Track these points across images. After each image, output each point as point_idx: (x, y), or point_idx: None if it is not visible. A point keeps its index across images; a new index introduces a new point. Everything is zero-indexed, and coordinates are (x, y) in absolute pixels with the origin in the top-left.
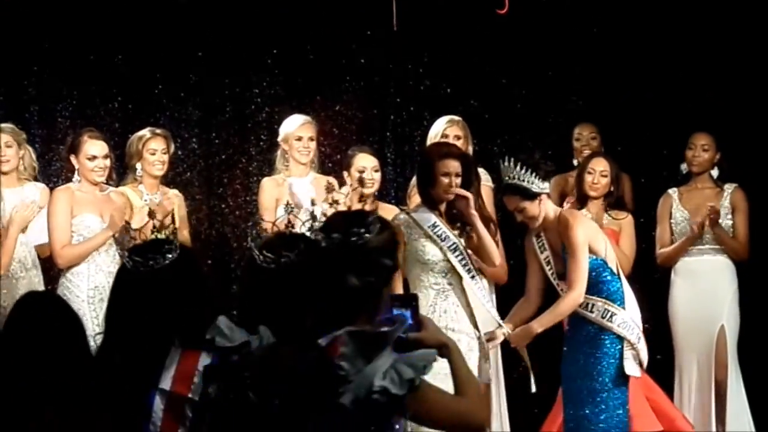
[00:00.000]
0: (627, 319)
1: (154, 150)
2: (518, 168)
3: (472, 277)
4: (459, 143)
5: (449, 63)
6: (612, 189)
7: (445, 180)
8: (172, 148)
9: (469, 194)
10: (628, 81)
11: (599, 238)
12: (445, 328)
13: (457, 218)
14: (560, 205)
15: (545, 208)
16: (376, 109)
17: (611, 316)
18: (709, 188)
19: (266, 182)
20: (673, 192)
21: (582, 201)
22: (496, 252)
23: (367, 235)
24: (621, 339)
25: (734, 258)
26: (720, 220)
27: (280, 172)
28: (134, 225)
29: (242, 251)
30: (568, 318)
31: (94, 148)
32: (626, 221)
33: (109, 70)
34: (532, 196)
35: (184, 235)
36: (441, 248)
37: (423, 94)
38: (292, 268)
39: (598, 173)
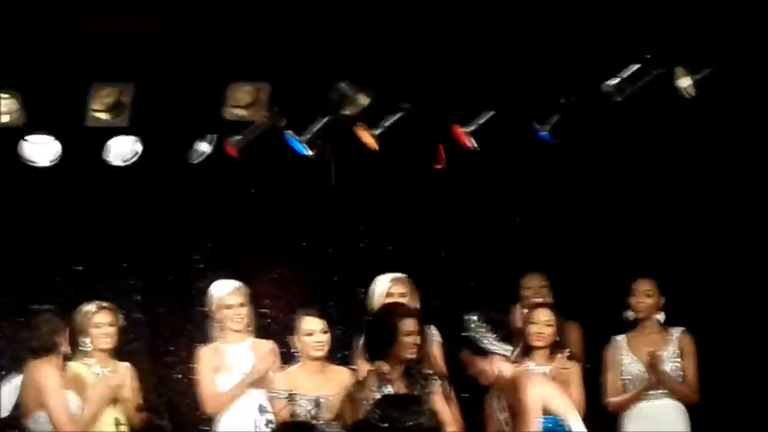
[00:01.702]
0: None
1: (99, 324)
2: (477, 323)
3: None
4: (404, 300)
5: (390, 218)
6: (557, 339)
7: (408, 339)
8: (120, 320)
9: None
10: (573, 228)
11: (555, 396)
12: None
13: (416, 378)
14: None
15: (500, 369)
16: (318, 269)
17: None
18: (655, 333)
19: (203, 351)
20: (620, 339)
21: (527, 352)
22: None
23: (422, 416)
24: None
25: (685, 401)
26: (668, 365)
27: (216, 339)
28: (86, 401)
29: (191, 418)
30: None
31: None
32: (574, 371)
33: (51, 245)
34: (484, 353)
35: (136, 406)
36: None
37: (364, 251)
38: None
39: (543, 323)
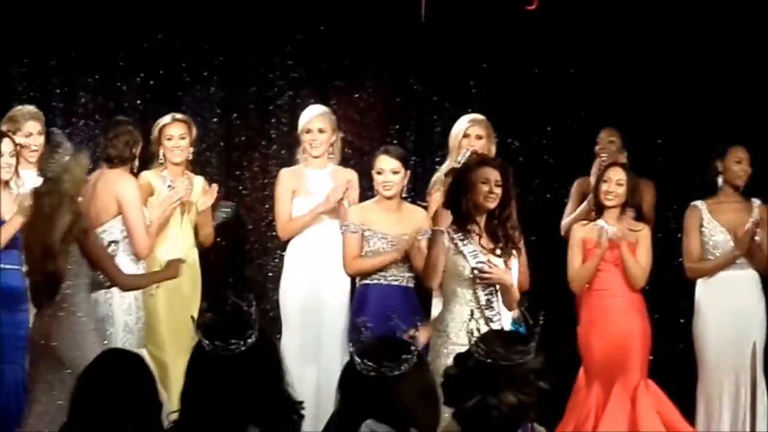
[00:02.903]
0: None
1: (171, 136)
2: None
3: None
4: (481, 143)
5: (475, 57)
6: (628, 199)
7: (485, 187)
8: (195, 133)
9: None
10: (655, 85)
11: None
12: None
13: (497, 234)
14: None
15: None
16: (399, 97)
17: None
18: (737, 202)
19: (283, 173)
20: (701, 205)
21: (598, 210)
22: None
23: (528, 355)
24: None
25: (763, 272)
26: None
27: (300, 162)
28: (153, 212)
29: (258, 233)
30: None
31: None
32: (643, 233)
33: (133, 48)
34: None
35: (208, 225)
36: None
37: (447, 86)
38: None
39: (614, 182)
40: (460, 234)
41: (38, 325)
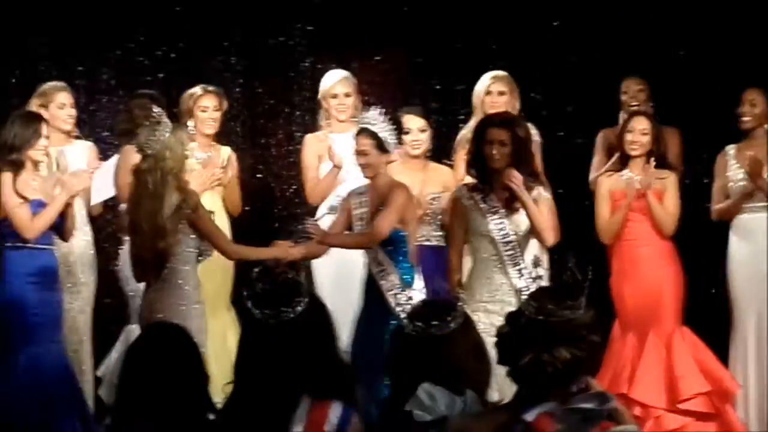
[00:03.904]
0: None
1: (205, 107)
2: (383, 119)
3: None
4: (503, 99)
5: (495, 14)
6: (653, 148)
7: (489, 148)
8: (225, 105)
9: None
10: (682, 34)
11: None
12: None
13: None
14: (608, 160)
15: (384, 169)
16: (419, 58)
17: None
18: (764, 144)
19: (309, 139)
20: (730, 149)
21: (624, 160)
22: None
23: (578, 310)
24: None
25: None
26: None
27: (323, 128)
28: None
29: (284, 201)
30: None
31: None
32: (669, 180)
33: (154, 21)
34: (384, 149)
35: (236, 195)
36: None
37: (467, 44)
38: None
39: (638, 132)
40: (480, 191)
41: (147, 300)
